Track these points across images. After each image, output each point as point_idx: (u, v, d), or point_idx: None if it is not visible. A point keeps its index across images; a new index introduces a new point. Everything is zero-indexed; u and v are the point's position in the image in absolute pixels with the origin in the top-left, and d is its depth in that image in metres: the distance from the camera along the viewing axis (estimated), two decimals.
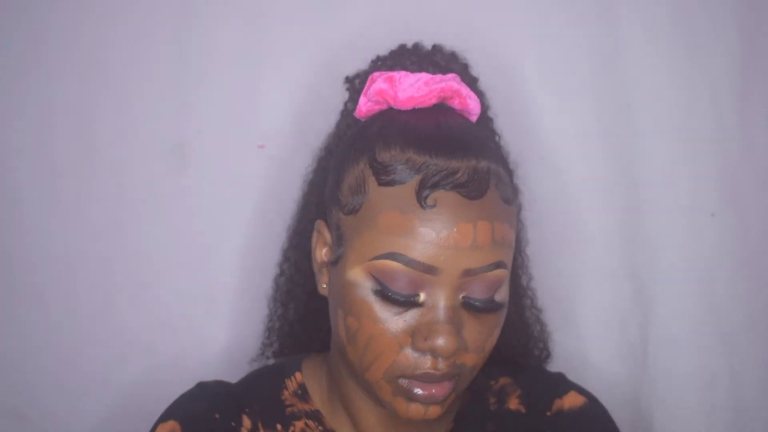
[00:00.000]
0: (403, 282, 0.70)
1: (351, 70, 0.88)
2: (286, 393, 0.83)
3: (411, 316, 0.71)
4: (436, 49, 0.85)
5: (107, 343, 1.01)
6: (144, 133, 1.00)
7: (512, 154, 0.89)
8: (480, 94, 0.85)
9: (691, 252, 1.01)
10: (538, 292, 0.94)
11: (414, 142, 0.72)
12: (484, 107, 0.86)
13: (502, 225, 0.72)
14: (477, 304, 0.72)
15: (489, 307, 0.73)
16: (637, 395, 1.02)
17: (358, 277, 0.72)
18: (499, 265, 0.72)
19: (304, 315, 0.91)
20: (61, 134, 1.00)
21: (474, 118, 0.81)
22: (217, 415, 0.79)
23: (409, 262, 0.70)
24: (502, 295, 0.74)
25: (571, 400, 0.85)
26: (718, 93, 0.98)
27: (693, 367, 1.01)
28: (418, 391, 0.72)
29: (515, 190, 0.82)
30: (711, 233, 1.00)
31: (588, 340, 1.02)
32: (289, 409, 0.82)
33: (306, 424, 0.81)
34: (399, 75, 0.79)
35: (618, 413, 0.88)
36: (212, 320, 1.02)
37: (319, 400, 0.82)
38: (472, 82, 0.85)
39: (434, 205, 0.70)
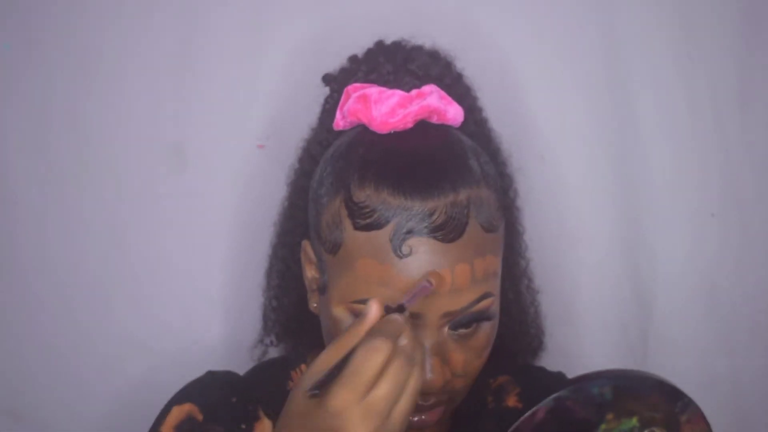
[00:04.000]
0: None
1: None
2: (291, 384, 0.83)
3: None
4: (415, 52, 0.82)
5: (106, 343, 1.01)
6: (144, 133, 1.00)
7: (512, 153, 0.87)
8: (466, 89, 0.83)
9: (691, 252, 1.01)
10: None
11: (389, 182, 0.70)
12: (471, 101, 0.83)
13: (483, 260, 0.71)
14: (463, 322, 0.71)
15: (475, 318, 0.71)
16: None
17: (343, 315, 0.72)
18: (483, 296, 0.71)
19: (297, 311, 0.89)
20: (61, 134, 1.00)
21: (457, 124, 0.79)
22: (234, 399, 0.79)
23: (389, 310, 0.67)
24: (491, 314, 0.73)
25: None
26: (719, 93, 0.98)
27: (693, 368, 1.01)
28: (412, 418, 0.72)
29: (501, 204, 0.77)
30: (711, 233, 1.00)
31: (588, 340, 1.02)
32: None
33: None
34: (372, 94, 0.76)
35: None
36: (211, 320, 1.02)
37: None
38: (456, 79, 0.82)
39: (409, 254, 0.68)
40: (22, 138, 0.99)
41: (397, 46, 0.83)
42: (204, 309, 1.02)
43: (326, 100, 0.85)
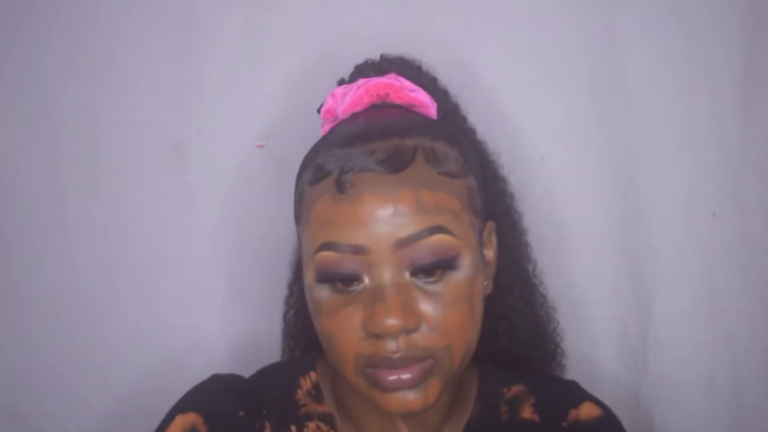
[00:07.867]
0: (342, 270, 0.70)
1: (351, 69, 0.88)
2: (299, 392, 0.81)
3: (359, 302, 0.70)
4: (383, 58, 0.85)
5: (106, 342, 1.01)
6: (144, 133, 1.00)
7: (512, 153, 0.88)
8: (443, 93, 0.85)
9: (692, 252, 1.00)
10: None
11: (339, 138, 0.74)
12: (449, 105, 0.85)
13: (433, 192, 0.70)
14: (424, 265, 0.69)
15: (439, 265, 0.70)
16: (637, 396, 1.02)
17: (310, 278, 0.73)
18: (437, 229, 0.70)
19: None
20: (62, 134, 1.00)
21: (430, 111, 0.80)
22: (241, 413, 0.78)
23: (340, 248, 0.69)
24: (460, 263, 0.71)
25: (587, 411, 0.83)
26: (719, 92, 0.98)
27: (694, 368, 1.00)
28: (387, 378, 0.69)
29: (470, 167, 0.77)
30: (712, 233, 1.00)
31: (588, 340, 1.02)
32: (303, 409, 0.80)
33: (318, 427, 0.79)
34: (339, 88, 0.81)
35: (618, 414, 0.88)
36: (211, 320, 1.02)
37: (331, 401, 0.81)
38: (430, 82, 0.84)
39: (351, 188, 0.70)
40: (23, 138, 0.99)
41: (382, 60, 0.85)
42: (204, 309, 1.02)
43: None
